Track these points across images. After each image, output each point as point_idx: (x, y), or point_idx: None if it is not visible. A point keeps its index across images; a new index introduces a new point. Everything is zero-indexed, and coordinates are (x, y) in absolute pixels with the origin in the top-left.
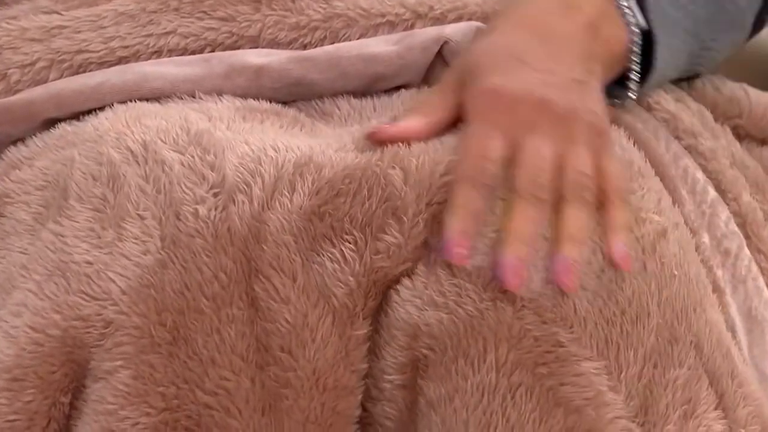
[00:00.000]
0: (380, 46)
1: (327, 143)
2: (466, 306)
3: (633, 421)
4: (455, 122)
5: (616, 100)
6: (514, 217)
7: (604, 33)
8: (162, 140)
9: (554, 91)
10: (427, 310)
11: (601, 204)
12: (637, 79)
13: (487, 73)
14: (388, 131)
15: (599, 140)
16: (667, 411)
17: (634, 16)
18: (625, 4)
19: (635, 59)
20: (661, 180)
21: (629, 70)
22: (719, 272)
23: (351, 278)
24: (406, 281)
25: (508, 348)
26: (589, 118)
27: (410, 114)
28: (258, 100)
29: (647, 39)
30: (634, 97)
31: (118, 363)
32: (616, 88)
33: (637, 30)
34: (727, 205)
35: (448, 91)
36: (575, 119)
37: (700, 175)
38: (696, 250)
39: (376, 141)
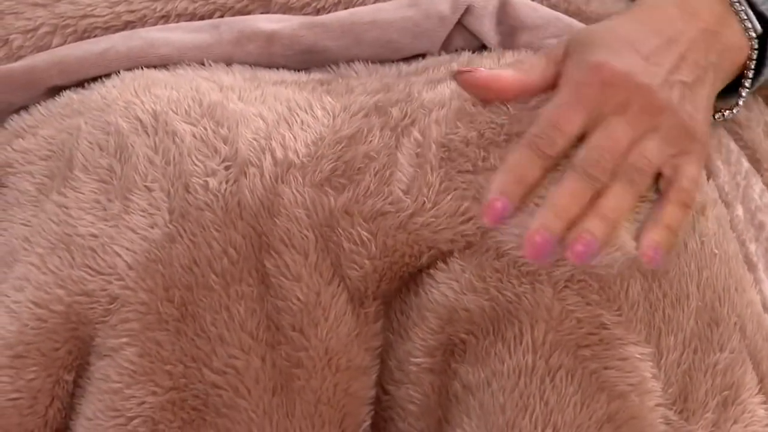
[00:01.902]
0: (396, 11)
1: (344, 106)
2: (506, 292)
3: (671, 409)
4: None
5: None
6: (558, 189)
7: (722, 41)
8: (174, 111)
9: (656, 82)
10: (465, 294)
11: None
12: (749, 85)
13: (594, 48)
14: (480, 75)
15: (689, 143)
16: (706, 398)
17: (750, 21)
18: (742, 8)
19: (752, 66)
20: None
21: (743, 76)
22: (752, 246)
23: (367, 261)
24: (440, 264)
25: (546, 329)
26: (684, 119)
27: (505, 68)
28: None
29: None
30: (741, 103)
31: (124, 340)
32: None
33: (755, 36)
34: (761, 175)
35: (550, 60)
36: (667, 114)
37: (733, 145)
38: (730, 225)
39: (465, 83)
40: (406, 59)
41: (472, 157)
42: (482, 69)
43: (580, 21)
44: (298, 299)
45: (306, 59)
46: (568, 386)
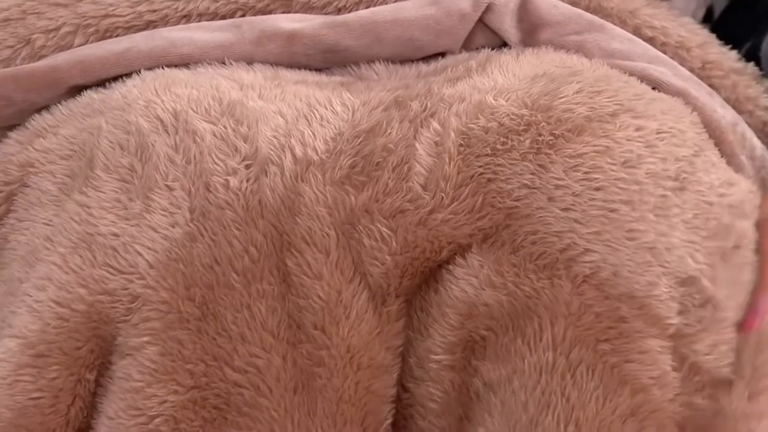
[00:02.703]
0: (417, 10)
1: (364, 101)
2: (524, 287)
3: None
4: None
5: None
6: None
7: None
8: (194, 110)
9: None
10: (485, 289)
11: None
12: None
13: None
14: None
15: None
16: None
17: None
18: None
19: None
20: (718, 145)
21: None
22: None
23: (388, 257)
24: (459, 259)
25: (566, 325)
26: None
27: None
28: (290, 68)
29: None
30: None
31: (145, 339)
32: None
33: None
34: None
35: None
36: None
37: (756, 141)
38: None
39: None
40: (426, 58)
41: (491, 141)
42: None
43: (602, 18)
44: (320, 297)
45: (327, 58)
46: (589, 382)
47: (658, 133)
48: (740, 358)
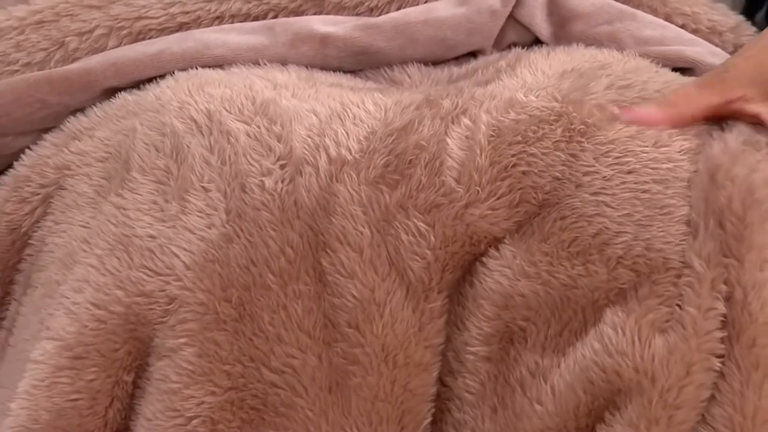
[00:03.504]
0: (448, 9)
1: (396, 101)
2: (558, 275)
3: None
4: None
5: None
6: None
7: None
8: (227, 110)
9: None
10: (519, 280)
11: None
12: None
13: None
14: (632, 116)
15: None
16: None
17: None
18: None
19: None
20: None
21: None
22: None
23: (428, 251)
24: (492, 251)
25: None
26: None
27: (662, 104)
28: (324, 70)
29: None
30: None
31: (183, 340)
32: None
33: None
34: None
35: (710, 92)
36: None
37: None
38: None
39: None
40: (458, 58)
41: (521, 130)
42: (627, 111)
43: (632, 7)
44: (353, 296)
45: (360, 60)
46: None
47: None
48: None
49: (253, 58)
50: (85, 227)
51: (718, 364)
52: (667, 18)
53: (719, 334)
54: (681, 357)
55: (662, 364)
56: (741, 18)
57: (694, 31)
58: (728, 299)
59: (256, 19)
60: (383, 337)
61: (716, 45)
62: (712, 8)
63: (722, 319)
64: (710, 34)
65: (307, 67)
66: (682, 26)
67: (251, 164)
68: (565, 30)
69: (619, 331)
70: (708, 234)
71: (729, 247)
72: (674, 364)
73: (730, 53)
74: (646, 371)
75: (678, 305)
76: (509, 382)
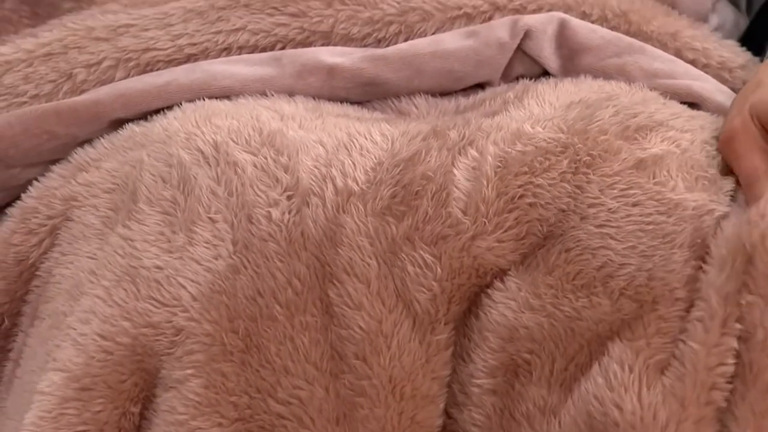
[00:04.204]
0: (455, 41)
1: (403, 131)
2: (563, 307)
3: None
4: None
5: None
6: None
7: None
8: (234, 141)
9: None
10: (524, 312)
11: None
12: None
13: None
14: None
15: None
16: None
17: None
18: None
19: None
20: None
21: None
22: None
23: (434, 283)
24: (497, 283)
25: (612, 347)
26: None
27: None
28: (331, 101)
29: None
30: None
31: (189, 371)
32: None
33: None
34: None
35: (758, 138)
36: None
37: None
38: None
39: None
40: (466, 90)
41: (528, 161)
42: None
43: (642, 41)
44: (360, 328)
45: (367, 91)
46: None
47: (692, 143)
48: None
49: (261, 89)
50: (92, 258)
51: (720, 397)
52: (678, 52)
53: (723, 370)
54: (676, 393)
55: (659, 402)
56: (749, 55)
57: (705, 67)
58: (746, 340)
59: (263, 50)
60: (390, 368)
61: (726, 80)
62: (722, 45)
63: (734, 359)
64: (720, 70)
65: (314, 98)
66: (693, 61)
67: (258, 195)
68: (573, 63)
69: (626, 368)
70: (734, 271)
71: (757, 284)
72: (670, 402)
73: (738, 90)
74: (645, 410)
75: (682, 340)
76: (515, 417)
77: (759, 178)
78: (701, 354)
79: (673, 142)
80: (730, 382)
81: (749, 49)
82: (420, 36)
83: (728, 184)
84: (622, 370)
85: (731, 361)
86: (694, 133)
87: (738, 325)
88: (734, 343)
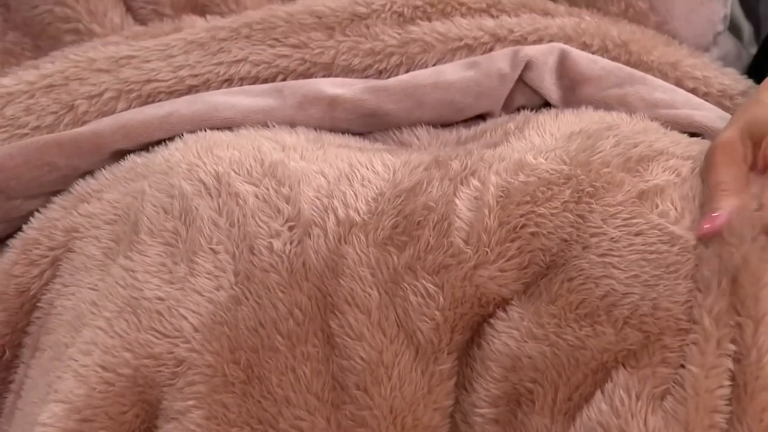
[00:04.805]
0: (456, 73)
1: (404, 162)
2: (566, 336)
3: None
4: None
5: None
6: None
7: None
8: (235, 172)
9: None
10: (527, 342)
11: None
12: None
13: None
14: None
15: None
16: None
17: None
18: None
19: None
20: None
21: None
22: None
23: (437, 312)
24: (500, 313)
25: (617, 377)
26: None
27: (719, 199)
28: (332, 132)
29: None
30: None
31: (191, 403)
32: None
33: None
34: None
35: (739, 154)
36: None
37: None
38: None
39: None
40: (467, 121)
41: (530, 191)
42: (707, 223)
43: (643, 71)
44: (361, 358)
45: (368, 122)
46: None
47: (693, 171)
48: None
49: (262, 120)
50: (93, 290)
51: (721, 420)
52: (678, 82)
53: (722, 392)
54: (679, 418)
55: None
56: (750, 82)
57: (705, 95)
58: (738, 361)
59: (265, 81)
60: (391, 399)
61: (727, 108)
62: (723, 73)
63: (730, 380)
64: (721, 98)
65: (315, 129)
66: (693, 90)
67: (260, 226)
68: (575, 93)
69: (633, 396)
70: (720, 291)
71: (745, 306)
72: (673, 426)
73: None
74: None
75: (682, 365)
76: None
77: (718, 192)
78: (700, 377)
79: (674, 171)
80: (728, 404)
81: (757, 77)
82: (421, 67)
83: None
84: (628, 398)
85: (728, 382)
86: (695, 160)
87: (732, 346)
88: (729, 364)
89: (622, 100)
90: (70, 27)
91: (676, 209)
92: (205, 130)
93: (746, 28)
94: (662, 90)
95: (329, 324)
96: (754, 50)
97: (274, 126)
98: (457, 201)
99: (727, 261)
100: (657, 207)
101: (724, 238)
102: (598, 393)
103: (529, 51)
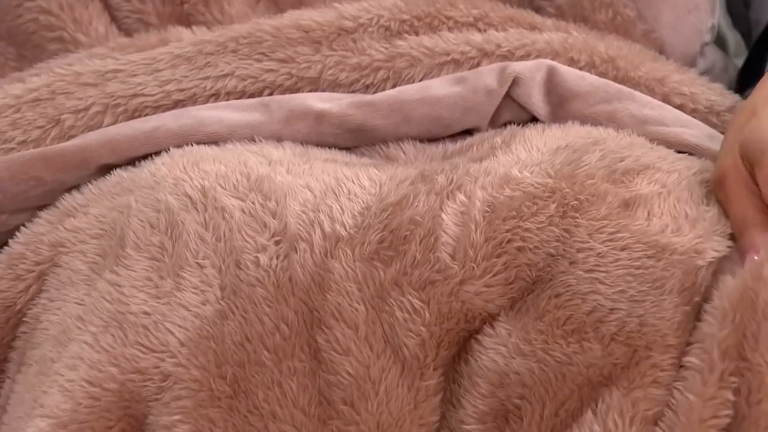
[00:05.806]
0: (443, 88)
1: (391, 176)
2: (554, 352)
3: None
4: None
5: None
6: None
7: None
8: (222, 186)
9: None
10: (514, 358)
11: None
12: None
13: None
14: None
15: None
16: None
17: None
18: None
19: None
20: None
21: None
22: None
23: (423, 328)
24: (487, 329)
25: (603, 393)
26: None
27: (752, 234)
28: (319, 146)
29: None
30: None
31: (177, 417)
32: None
33: None
34: None
35: (748, 180)
36: None
37: None
38: None
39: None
40: (453, 136)
41: (516, 206)
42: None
43: (630, 87)
44: (348, 373)
45: (355, 137)
46: None
47: (679, 183)
48: None
49: (249, 135)
50: (79, 304)
51: None
52: (665, 98)
53: (715, 422)
54: None
55: None
56: (737, 97)
57: (693, 111)
58: (741, 393)
59: (251, 96)
60: (378, 414)
61: (714, 124)
62: (710, 88)
63: (728, 411)
64: (708, 114)
65: (302, 144)
66: (680, 106)
67: (246, 240)
68: (563, 109)
69: (627, 419)
70: (735, 327)
71: (758, 342)
72: None
73: None
74: None
75: (678, 389)
76: None
77: (748, 227)
78: (696, 406)
79: (659, 183)
80: None
81: (747, 81)
82: (408, 82)
83: (722, 221)
84: (622, 421)
85: (725, 412)
86: (680, 173)
87: (734, 378)
88: (730, 396)
89: (611, 117)
90: (55, 36)
91: (660, 217)
92: (192, 145)
93: (731, 39)
94: (651, 107)
95: (316, 339)
96: (740, 62)
97: (260, 141)
98: (444, 216)
99: (747, 298)
100: (641, 217)
101: (751, 274)
102: (590, 413)
103: (517, 67)
